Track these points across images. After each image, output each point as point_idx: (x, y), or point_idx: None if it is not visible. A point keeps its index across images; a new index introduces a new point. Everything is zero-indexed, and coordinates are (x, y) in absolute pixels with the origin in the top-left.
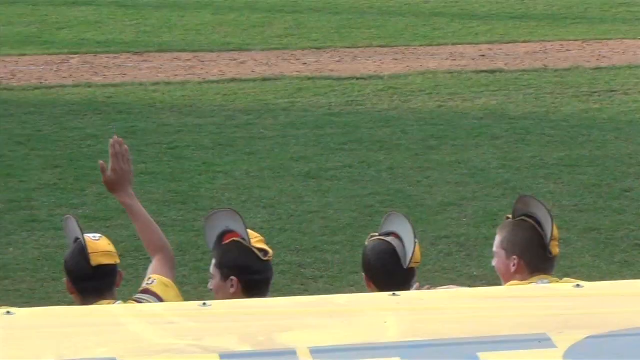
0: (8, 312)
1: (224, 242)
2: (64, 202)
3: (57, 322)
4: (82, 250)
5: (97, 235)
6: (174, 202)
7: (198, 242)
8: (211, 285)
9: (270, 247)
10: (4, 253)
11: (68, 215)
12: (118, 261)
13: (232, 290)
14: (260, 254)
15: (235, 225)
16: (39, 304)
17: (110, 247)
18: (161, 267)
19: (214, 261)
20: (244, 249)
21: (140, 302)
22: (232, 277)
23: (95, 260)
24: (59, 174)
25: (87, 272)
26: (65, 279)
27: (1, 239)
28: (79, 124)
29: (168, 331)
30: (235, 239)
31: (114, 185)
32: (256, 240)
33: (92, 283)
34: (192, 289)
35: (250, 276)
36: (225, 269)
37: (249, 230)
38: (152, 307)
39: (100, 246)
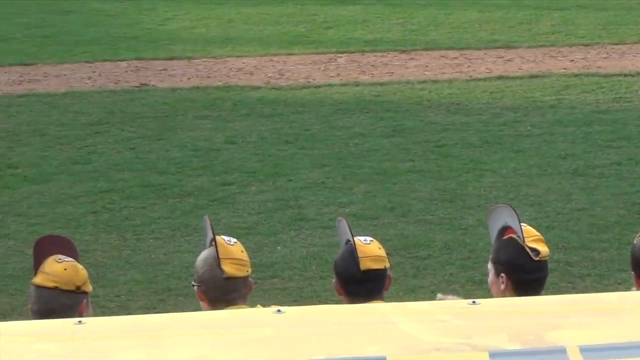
0: (278, 311)
1: (502, 238)
2: (331, 200)
3: (326, 320)
4: (351, 254)
5: (369, 238)
6: (442, 200)
7: (465, 240)
8: (489, 279)
9: (547, 246)
10: (273, 252)
11: (340, 217)
12: (387, 265)
13: (502, 287)
14: (532, 254)
15: (512, 222)
16: (307, 302)
17: (381, 252)
18: None
19: (491, 256)
20: (517, 246)
21: None
22: (502, 274)
23: (365, 265)
24: (327, 173)
25: (355, 275)
26: (334, 280)
27: (270, 237)
28: (347, 123)
29: (437, 329)
30: (512, 235)
31: None
32: (532, 238)
33: (360, 286)
34: (459, 287)
35: (520, 275)
36: (498, 265)
37: (528, 228)
38: (421, 305)
39: (370, 250)
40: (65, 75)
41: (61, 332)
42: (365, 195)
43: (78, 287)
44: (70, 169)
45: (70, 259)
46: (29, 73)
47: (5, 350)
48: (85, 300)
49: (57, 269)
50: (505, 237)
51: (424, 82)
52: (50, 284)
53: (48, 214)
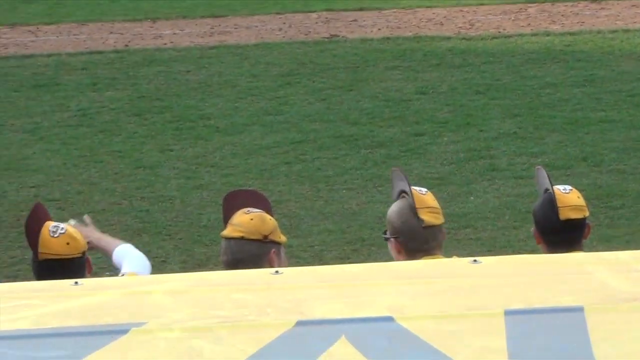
0: (475, 261)
1: None
2: (523, 150)
3: (522, 270)
4: (551, 203)
5: (568, 187)
6: (635, 150)
7: None
8: None
9: None
10: (466, 202)
11: (539, 166)
12: (587, 214)
13: None
14: None
15: None
16: (500, 252)
17: (580, 201)
18: None
19: None
20: None
21: None
22: None
23: (564, 214)
24: (518, 123)
25: (555, 225)
26: (532, 229)
27: (462, 187)
28: (538, 73)
29: (635, 280)
30: None
31: None
32: None
33: (559, 236)
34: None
35: None
36: None
37: None
38: (617, 255)
39: (569, 200)
40: (256, 26)
41: (258, 282)
42: (557, 145)
43: (265, 237)
44: (262, 119)
45: (259, 210)
46: (219, 25)
47: (205, 299)
48: (274, 250)
49: (244, 219)
50: None
51: (615, 31)
52: (237, 234)
53: (240, 164)
